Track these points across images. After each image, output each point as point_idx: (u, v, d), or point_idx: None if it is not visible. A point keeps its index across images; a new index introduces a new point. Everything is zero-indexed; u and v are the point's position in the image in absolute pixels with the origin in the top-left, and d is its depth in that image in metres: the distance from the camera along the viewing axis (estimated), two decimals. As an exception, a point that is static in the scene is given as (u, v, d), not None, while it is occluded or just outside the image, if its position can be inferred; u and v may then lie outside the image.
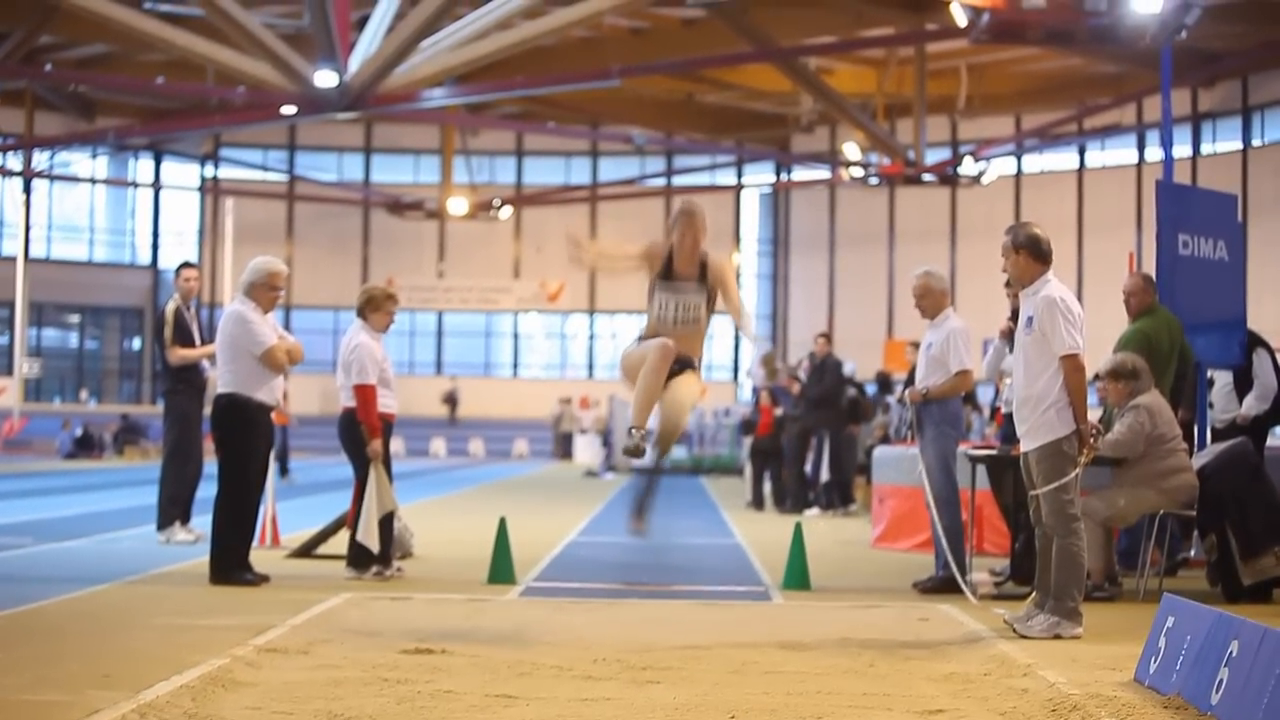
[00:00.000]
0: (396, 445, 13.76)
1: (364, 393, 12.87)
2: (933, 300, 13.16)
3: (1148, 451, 12.05)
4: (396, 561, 13.39)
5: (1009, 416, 12.52)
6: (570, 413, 57.91)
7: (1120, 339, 13.26)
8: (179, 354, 15.87)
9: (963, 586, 12.05)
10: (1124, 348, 12.93)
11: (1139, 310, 13.38)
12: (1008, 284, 11.39)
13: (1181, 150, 49.89)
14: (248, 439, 12.56)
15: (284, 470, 28.58)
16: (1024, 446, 10.23)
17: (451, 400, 63.32)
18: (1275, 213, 47.73)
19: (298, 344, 13.15)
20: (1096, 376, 12.56)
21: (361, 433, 12.90)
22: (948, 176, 52.18)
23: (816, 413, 23.58)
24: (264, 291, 12.79)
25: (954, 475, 12.85)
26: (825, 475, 24.11)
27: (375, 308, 13.17)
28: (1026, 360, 10.15)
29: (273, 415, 13.09)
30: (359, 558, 12.94)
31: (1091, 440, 10.02)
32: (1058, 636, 9.78)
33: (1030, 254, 10.22)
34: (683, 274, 10.08)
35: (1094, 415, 10.53)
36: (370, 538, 12.82)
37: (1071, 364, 9.95)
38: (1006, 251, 10.24)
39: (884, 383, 28.44)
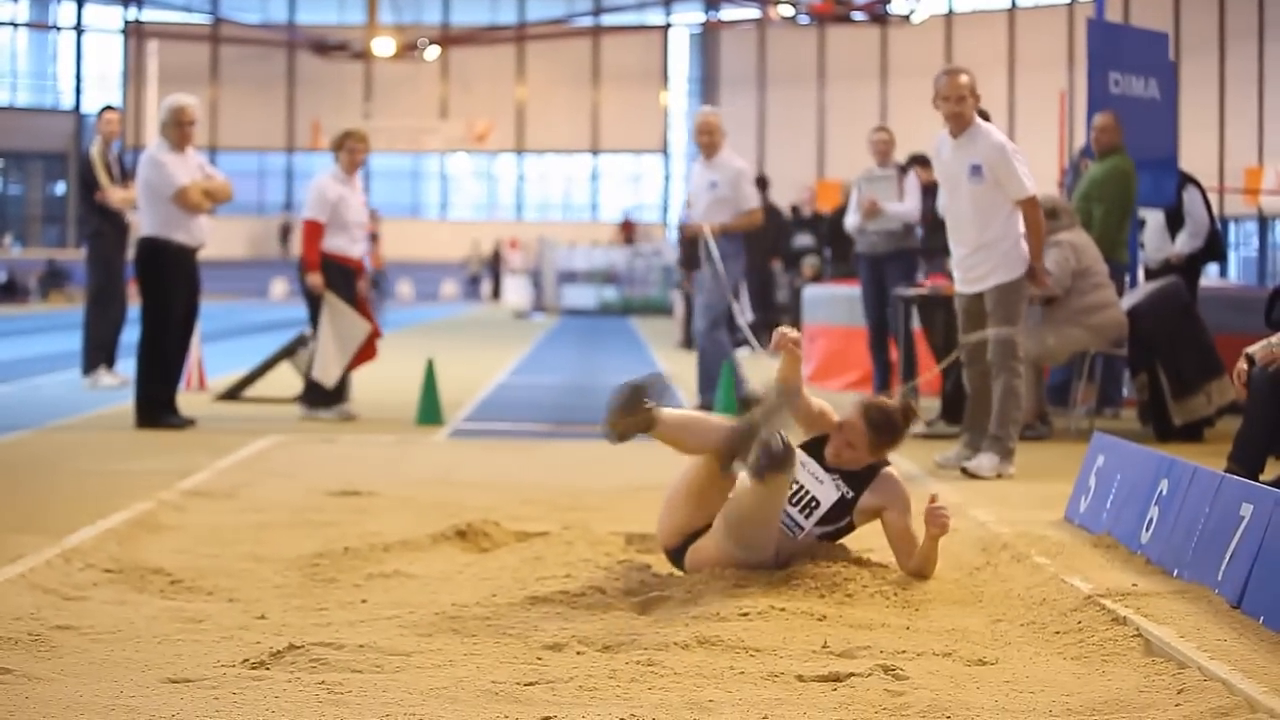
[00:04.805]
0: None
1: (305, 228, 13.12)
2: (720, 137, 14.06)
3: (1074, 287, 12.00)
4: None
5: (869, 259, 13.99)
6: (478, 256, 57.56)
7: (1096, 177, 13.26)
8: (118, 196, 15.49)
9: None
10: (1104, 185, 13.07)
11: (1109, 147, 13.35)
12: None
13: (1113, -12, 49.67)
14: (169, 282, 12.38)
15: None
16: (977, 288, 10.13)
17: None
18: (1207, 51, 47.66)
19: (225, 182, 12.96)
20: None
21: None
22: (878, 15, 51.83)
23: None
24: (173, 129, 12.57)
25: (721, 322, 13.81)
26: (751, 315, 24.07)
27: (337, 147, 13.26)
28: (977, 208, 10.01)
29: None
30: (314, 396, 12.96)
31: (1046, 277, 10.19)
32: (1000, 476, 9.80)
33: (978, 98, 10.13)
34: (833, 462, 6.86)
35: None
36: (326, 374, 12.86)
37: (1032, 204, 10.02)
38: (966, 94, 9.97)
39: (810, 221, 28.25)
